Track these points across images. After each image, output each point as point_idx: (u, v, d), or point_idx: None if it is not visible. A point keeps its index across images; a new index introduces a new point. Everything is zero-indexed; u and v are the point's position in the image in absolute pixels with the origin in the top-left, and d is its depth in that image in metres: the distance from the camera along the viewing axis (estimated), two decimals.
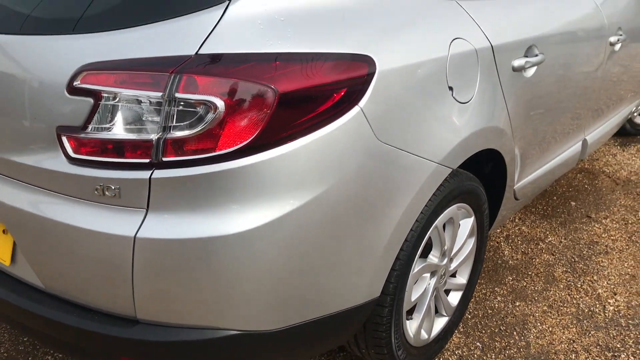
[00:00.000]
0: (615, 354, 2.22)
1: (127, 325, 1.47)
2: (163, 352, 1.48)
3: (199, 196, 1.36)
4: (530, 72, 2.16)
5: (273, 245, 1.42)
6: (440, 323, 2.18)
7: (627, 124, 4.09)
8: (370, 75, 1.50)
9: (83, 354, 1.57)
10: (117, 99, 1.34)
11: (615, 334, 2.33)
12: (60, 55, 1.39)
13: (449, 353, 2.22)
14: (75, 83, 1.35)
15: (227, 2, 1.38)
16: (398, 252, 1.72)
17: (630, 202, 3.31)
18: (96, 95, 1.34)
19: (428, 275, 2.00)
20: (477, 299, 2.51)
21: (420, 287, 1.97)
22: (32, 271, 1.55)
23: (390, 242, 1.66)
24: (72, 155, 1.39)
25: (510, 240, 2.93)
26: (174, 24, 1.36)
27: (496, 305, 2.49)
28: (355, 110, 1.46)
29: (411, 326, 2.00)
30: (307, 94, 1.39)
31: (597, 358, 2.20)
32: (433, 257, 1.98)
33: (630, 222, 3.11)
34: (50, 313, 1.52)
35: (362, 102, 1.48)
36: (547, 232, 3.01)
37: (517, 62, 2.06)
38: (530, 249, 2.87)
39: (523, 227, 3.05)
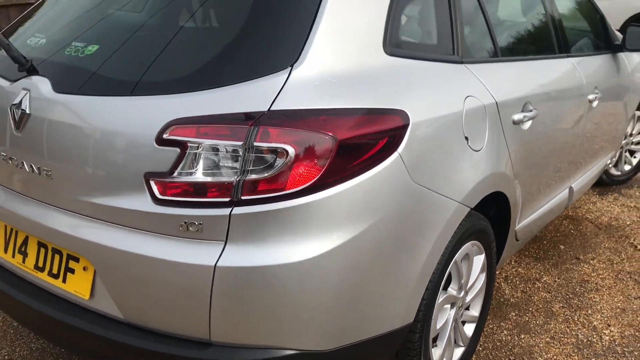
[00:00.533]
0: None
1: (201, 347, 1.67)
2: None
3: (270, 229, 1.59)
4: (527, 125, 2.47)
5: (329, 272, 1.65)
6: (458, 353, 2.39)
7: (604, 175, 4.44)
8: (406, 126, 1.77)
9: None
10: (202, 148, 1.58)
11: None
12: (149, 112, 1.64)
13: None
14: (164, 135, 1.60)
15: (290, 68, 1.66)
16: (427, 283, 1.95)
17: (613, 245, 3.60)
18: (183, 145, 1.59)
19: (449, 306, 2.23)
20: (486, 333, 2.73)
21: (443, 317, 2.19)
22: (112, 303, 1.75)
23: (422, 273, 1.90)
24: (159, 196, 1.61)
25: (509, 281, 3.18)
26: (248, 86, 1.62)
27: (503, 338, 2.71)
28: (395, 155, 1.73)
29: (436, 353, 2.21)
30: (359, 142, 1.65)
31: None
32: (452, 290, 2.22)
33: (615, 262, 3.40)
34: (130, 340, 1.70)
35: (400, 148, 1.74)
36: (542, 273, 3.27)
37: (517, 116, 2.37)
38: (528, 287, 3.12)
39: (519, 269, 3.30)
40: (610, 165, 4.45)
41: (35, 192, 1.86)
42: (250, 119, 1.57)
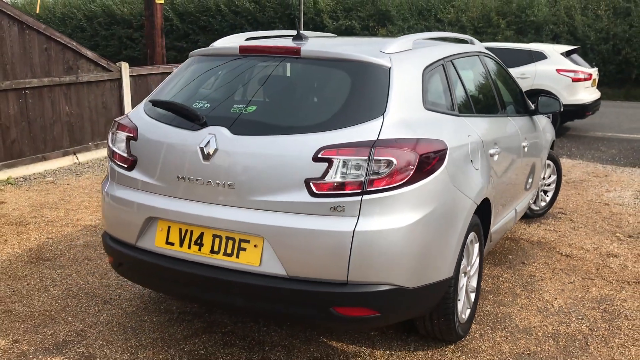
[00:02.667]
0: (567, 325, 3.64)
1: (342, 286, 2.68)
2: (359, 298, 2.69)
3: (383, 208, 2.67)
4: (496, 157, 3.73)
5: (415, 235, 2.75)
6: (467, 312, 3.50)
7: (527, 209, 5.82)
8: (446, 149, 2.94)
9: (315, 308, 2.72)
10: (341, 162, 2.67)
11: (563, 317, 3.76)
12: (307, 142, 2.71)
13: (473, 332, 3.53)
14: (318, 155, 2.67)
15: (382, 115, 2.81)
16: (459, 252, 3.08)
17: (545, 254, 4.90)
18: (330, 160, 2.67)
19: (463, 274, 3.36)
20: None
21: (462, 280, 3.31)
22: (280, 265, 2.73)
23: (457, 243, 3.03)
24: (315, 192, 2.67)
25: (482, 279, 4.36)
26: (363, 125, 2.75)
27: (488, 309, 3.85)
28: (442, 167, 2.89)
29: (459, 305, 3.31)
30: (427, 157, 2.80)
31: (558, 328, 3.61)
32: (465, 263, 3.35)
33: (549, 263, 4.68)
34: (294, 286, 2.69)
35: (445, 163, 2.91)
36: (502, 272, 4.48)
37: (491, 151, 3.63)
38: (495, 281, 4.31)
39: (486, 271, 4.50)
40: (531, 202, 5.84)
41: (218, 199, 2.83)
42: (369, 144, 2.68)
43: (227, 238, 2.84)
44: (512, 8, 18.83)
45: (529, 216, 5.88)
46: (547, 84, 10.96)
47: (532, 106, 5.21)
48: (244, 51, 3.23)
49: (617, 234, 5.44)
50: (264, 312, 2.91)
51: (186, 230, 2.94)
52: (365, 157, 2.67)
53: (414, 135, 2.84)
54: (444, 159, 2.92)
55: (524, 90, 10.82)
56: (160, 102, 3.17)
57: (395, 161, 2.69)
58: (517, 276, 4.41)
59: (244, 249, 2.80)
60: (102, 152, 8.40)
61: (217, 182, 2.83)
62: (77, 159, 8.00)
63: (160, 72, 9.02)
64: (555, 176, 6.07)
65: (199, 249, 2.89)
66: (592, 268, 4.59)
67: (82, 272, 4.38)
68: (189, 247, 2.92)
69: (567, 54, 11.26)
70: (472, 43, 4.59)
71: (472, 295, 3.58)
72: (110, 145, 3.27)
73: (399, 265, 2.74)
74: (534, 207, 5.94)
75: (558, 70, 10.97)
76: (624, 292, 4.16)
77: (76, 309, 3.80)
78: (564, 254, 4.89)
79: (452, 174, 2.97)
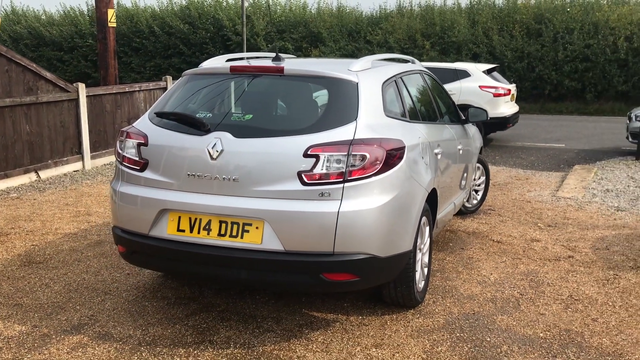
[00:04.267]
0: (502, 292, 4.45)
1: (329, 255, 3.35)
2: (343, 265, 3.36)
3: (360, 192, 3.37)
4: (440, 156, 4.51)
5: (385, 213, 3.45)
6: (422, 283, 4.23)
7: (462, 207, 6.66)
8: (404, 147, 3.68)
9: (308, 274, 3.37)
10: (326, 157, 3.35)
11: (498, 287, 4.57)
12: (299, 142, 3.38)
13: (427, 300, 4.27)
14: (308, 152, 3.35)
15: (355, 121, 3.52)
16: (416, 230, 3.81)
17: (480, 241, 5.73)
18: (317, 156, 3.35)
19: (419, 250, 4.09)
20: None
21: (417, 255, 4.04)
22: (278, 242, 3.36)
23: (414, 223, 3.76)
24: (306, 181, 3.34)
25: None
26: (342, 128, 3.45)
27: (436, 283, 4.60)
28: (402, 161, 3.62)
29: (416, 276, 4.03)
30: (392, 153, 3.53)
31: (495, 294, 4.40)
32: (419, 242, 4.09)
33: (484, 248, 5.51)
34: (291, 258, 3.34)
35: (404, 158, 3.64)
36: (445, 256, 5.26)
37: (435, 150, 4.40)
38: (441, 262, 5.08)
39: (432, 255, 5.27)
40: (465, 200, 6.70)
41: (224, 190, 3.45)
42: (348, 142, 3.38)
43: (232, 223, 3.45)
44: (435, 30, 20.17)
45: (464, 213, 6.73)
46: (472, 99, 12.03)
47: (464, 116, 6.07)
48: (235, 70, 3.87)
49: (539, 224, 6.35)
50: (266, 282, 3.54)
51: (195, 219, 3.53)
52: (345, 153, 3.36)
53: (383, 135, 3.56)
54: (403, 154, 3.65)
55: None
56: (166, 114, 3.76)
57: (368, 155, 3.39)
58: (458, 258, 5.20)
59: (247, 231, 3.43)
60: (62, 169, 8.74)
61: (224, 177, 3.44)
62: (39, 176, 8.31)
63: (114, 92, 9.45)
64: (484, 178, 6.97)
65: (208, 234, 3.49)
66: (520, 250, 5.45)
67: (77, 271, 4.84)
68: (199, 232, 3.51)
69: (488, 72, 12.43)
70: (413, 62, 5.40)
71: (425, 270, 4.31)
72: (120, 151, 3.83)
73: (373, 238, 3.43)
74: (467, 204, 6.80)
75: (481, 87, 12.09)
76: (545, 267, 5.02)
77: (81, 300, 4.28)
78: (495, 240, 5.74)
79: (409, 167, 3.70)
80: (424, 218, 4.09)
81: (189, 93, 3.95)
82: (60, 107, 8.63)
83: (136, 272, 4.78)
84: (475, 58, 19.24)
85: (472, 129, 6.41)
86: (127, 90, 9.76)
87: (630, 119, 11.10)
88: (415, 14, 21.35)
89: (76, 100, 8.85)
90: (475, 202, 6.91)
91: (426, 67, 12.82)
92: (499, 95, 12.08)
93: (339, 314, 4.04)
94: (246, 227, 3.44)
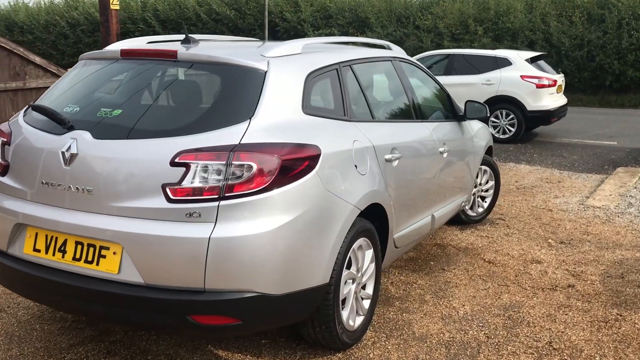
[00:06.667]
0: (465, 332, 3.59)
1: (199, 293, 2.62)
2: (217, 306, 2.63)
3: (241, 213, 2.62)
4: (395, 163, 3.68)
5: (276, 241, 2.69)
6: (359, 320, 3.44)
7: (463, 215, 5.77)
8: (319, 155, 2.90)
9: (172, 316, 2.66)
10: (199, 166, 2.61)
11: (464, 324, 3.71)
12: (165, 146, 2.66)
13: (366, 340, 3.47)
14: (175, 160, 2.62)
15: (249, 119, 2.76)
16: (336, 258, 3.03)
17: (469, 260, 4.85)
18: (187, 165, 2.62)
19: (351, 281, 3.30)
20: (378, 314, 3.81)
21: (347, 287, 3.25)
22: (137, 273, 2.67)
23: (333, 249, 2.98)
24: (172, 197, 2.62)
25: (394, 285, 4.31)
26: (227, 129, 2.70)
27: (390, 316, 3.80)
28: (314, 172, 2.84)
29: (344, 314, 3.25)
30: (293, 162, 2.75)
31: (455, 336, 3.56)
32: (353, 270, 3.30)
33: (469, 270, 4.63)
34: (150, 294, 2.63)
35: (317, 168, 2.86)
36: (417, 278, 4.43)
37: (387, 156, 3.58)
38: (408, 287, 4.26)
39: (401, 277, 4.45)
40: (466, 208, 5.80)
41: (78, 205, 2.78)
42: (229, 148, 2.64)
43: (89, 245, 2.78)
44: (489, 15, 18.87)
45: (465, 222, 5.83)
46: (512, 90, 10.96)
47: (462, 112, 5.18)
48: (126, 54, 3.19)
49: (550, 240, 5.39)
50: (127, 321, 2.86)
51: (52, 237, 2.88)
52: (224, 162, 2.62)
53: (284, 140, 2.79)
54: (315, 163, 2.87)
55: (488, 96, 11.02)
56: (34, 107, 3.12)
57: (255, 166, 2.64)
58: (432, 282, 4.36)
59: (104, 256, 2.75)
60: None
61: (77, 187, 2.78)
62: None
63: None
64: (493, 182, 6.03)
65: (63, 256, 2.83)
66: (511, 274, 4.54)
67: None
68: (54, 254, 2.86)
69: (532, 60, 11.26)
70: (388, 48, 4.56)
71: (367, 302, 3.52)
72: None
73: (261, 271, 2.68)
74: (470, 213, 5.89)
75: (522, 77, 10.96)
76: (535, 298, 4.11)
77: None
78: (487, 260, 4.84)
79: (326, 179, 2.92)
80: (360, 240, 3.29)
81: (75, 81, 3.30)
82: None
83: None
84: (531, 46, 17.84)
85: (475, 127, 5.50)
86: None
87: None
88: None
89: None
90: (480, 210, 5.99)
91: (463, 55, 11.91)
92: (542, 86, 10.92)
93: (250, 354, 3.32)
94: (103, 252, 2.76)
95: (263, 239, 2.65)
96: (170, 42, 3.62)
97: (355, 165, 3.20)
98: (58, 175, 2.83)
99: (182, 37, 3.54)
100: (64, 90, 3.26)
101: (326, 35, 20.66)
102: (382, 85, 4.28)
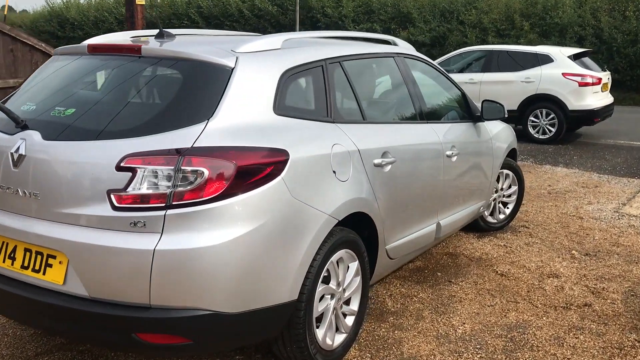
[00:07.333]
0: (458, 355, 3.28)
1: (145, 310, 2.41)
2: (164, 324, 2.41)
3: (191, 224, 2.40)
4: (388, 167, 3.39)
5: (231, 255, 2.45)
6: (340, 338, 3.17)
7: (481, 221, 5.40)
8: (287, 160, 2.64)
9: (116, 333, 2.46)
10: (146, 171, 2.40)
11: (460, 345, 3.40)
12: (111, 149, 2.46)
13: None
14: (121, 164, 2.41)
15: (207, 120, 2.53)
16: (307, 272, 2.76)
17: (480, 272, 4.50)
18: (133, 170, 2.41)
19: (329, 296, 3.04)
20: (367, 330, 3.53)
21: (323, 304, 2.99)
22: (81, 285, 2.48)
23: (302, 263, 2.72)
24: (116, 205, 2.41)
25: (392, 297, 4.01)
26: (179, 131, 2.48)
27: (381, 333, 3.51)
28: (278, 178, 2.59)
29: (320, 332, 2.99)
30: (252, 168, 2.51)
31: (446, 358, 3.25)
32: (332, 285, 3.03)
33: (478, 283, 4.29)
34: (94, 309, 2.43)
35: (283, 174, 2.61)
36: (419, 291, 4.12)
37: (376, 161, 3.29)
38: (407, 301, 3.96)
39: (402, 289, 4.15)
40: (485, 214, 5.43)
41: (26, 209, 2.62)
42: (179, 152, 2.41)
43: (37, 253, 2.61)
44: (536, 10, 18.17)
45: (484, 229, 5.47)
46: (552, 89, 10.45)
47: (479, 112, 4.83)
48: (93, 50, 3.01)
49: (574, 252, 4.99)
50: (69, 335, 2.68)
51: (3, 242, 2.72)
52: (173, 167, 2.40)
53: (245, 143, 2.55)
54: (281, 169, 2.62)
55: (527, 95, 10.51)
56: None
57: (206, 172, 2.41)
58: (434, 296, 4.04)
59: (51, 265, 2.57)
60: None
61: (25, 191, 2.61)
62: None
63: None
64: (517, 187, 5.65)
65: (12, 264, 2.67)
66: (523, 290, 4.18)
67: None
68: (4, 261, 2.70)
69: (576, 57, 10.68)
70: (393, 44, 4.26)
71: (350, 319, 3.25)
72: None
73: (213, 287, 2.45)
74: (490, 219, 5.53)
75: (564, 74, 10.42)
76: (544, 318, 3.75)
77: None
78: (499, 272, 4.49)
79: (294, 186, 2.66)
80: (341, 252, 3.03)
81: (43, 77, 3.14)
82: None
83: None
84: (580, 42, 17.08)
85: (495, 128, 5.14)
86: None
87: None
88: None
89: None
90: (502, 216, 5.62)
91: (503, 51, 11.39)
92: (585, 84, 10.34)
93: None
94: (50, 260, 2.58)
95: (214, 252, 2.41)
96: (150, 37, 3.42)
97: (334, 171, 2.93)
98: (7, 178, 2.67)
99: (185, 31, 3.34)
100: (30, 87, 3.11)
101: (367, 30, 20.30)
102: (380, 83, 3.99)
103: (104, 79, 2.89)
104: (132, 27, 9.09)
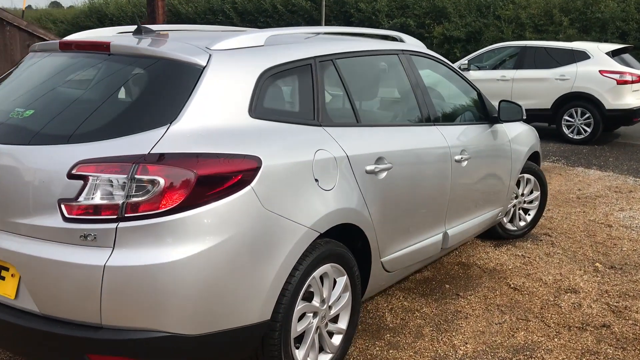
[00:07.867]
0: None
1: (95, 330, 2.22)
2: (116, 346, 2.22)
3: (146, 238, 2.19)
4: (383, 174, 3.13)
5: (191, 272, 2.24)
6: (326, 358, 2.93)
7: (499, 228, 5.08)
8: (259, 167, 2.41)
9: (67, 354, 2.28)
10: (99, 180, 2.21)
11: None
12: (64, 155, 2.27)
13: None
14: (72, 171, 2.23)
15: (169, 124, 2.32)
16: (283, 290, 2.53)
17: (492, 285, 4.20)
18: (85, 178, 2.21)
19: (312, 314, 2.80)
20: (360, 348, 3.28)
21: (304, 323, 2.75)
22: (32, 301, 2.31)
23: (275, 280, 2.49)
24: (67, 216, 2.22)
25: (393, 311, 3.75)
26: (136, 136, 2.27)
27: (374, 352, 3.26)
28: (248, 188, 2.36)
29: (300, 353, 2.75)
30: (216, 177, 2.29)
31: None
32: (315, 302, 2.79)
33: (488, 297, 3.99)
34: (47, 327, 2.25)
35: (253, 183, 2.38)
36: (423, 305, 3.85)
37: (369, 167, 3.03)
38: (408, 316, 3.69)
39: (405, 302, 3.88)
40: (504, 221, 5.11)
41: None
42: (133, 159, 2.21)
43: None
44: (576, 4, 17.49)
45: (503, 237, 5.15)
46: (589, 87, 9.97)
47: (497, 113, 4.51)
48: (64, 47, 2.84)
49: (597, 264, 4.63)
50: (21, 354, 2.50)
51: None
52: (126, 176, 2.19)
53: (209, 149, 2.33)
54: (252, 178, 2.39)
55: (562, 93, 10.04)
56: None
57: (162, 181, 2.20)
58: (438, 311, 3.77)
59: (3, 278, 2.40)
60: None
61: None
62: None
63: None
64: (539, 192, 5.30)
65: None
66: (537, 306, 3.87)
67: None
68: None
69: (614, 54, 10.17)
70: (400, 40, 3.99)
71: (337, 338, 3.00)
72: None
73: (170, 307, 2.24)
74: (509, 227, 5.20)
75: (601, 72, 9.92)
76: (556, 339, 3.44)
77: None
78: (512, 286, 4.18)
79: (266, 196, 2.43)
80: (326, 267, 2.79)
81: (16, 76, 2.98)
82: None
83: None
84: (623, 37, 16.36)
85: (515, 130, 4.81)
86: None
87: None
88: None
89: None
90: (522, 224, 5.28)
91: (537, 47, 10.94)
92: (624, 82, 9.83)
93: None
94: (3, 273, 2.41)
95: (170, 269, 2.20)
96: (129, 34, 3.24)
97: (316, 180, 2.69)
98: None
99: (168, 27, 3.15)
100: (4, 86, 2.95)
101: (401, 25, 19.90)
102: (380, 83, 3.73)
103: (70, 78, 2.70)
104: (153, 23, 8.99)
